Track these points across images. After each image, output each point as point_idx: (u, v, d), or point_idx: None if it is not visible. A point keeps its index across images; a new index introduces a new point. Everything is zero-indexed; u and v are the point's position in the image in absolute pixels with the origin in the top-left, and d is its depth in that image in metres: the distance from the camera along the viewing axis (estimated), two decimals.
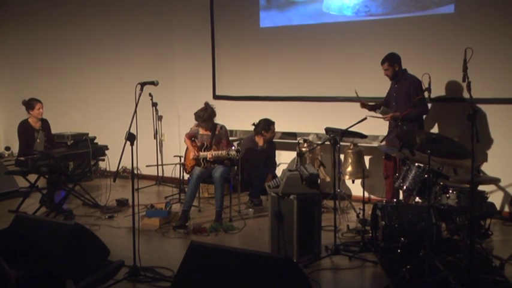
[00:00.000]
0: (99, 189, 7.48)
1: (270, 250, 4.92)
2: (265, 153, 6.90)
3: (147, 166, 7.93)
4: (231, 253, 3.42)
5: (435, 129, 6.36)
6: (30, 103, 6.72)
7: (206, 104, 6.18)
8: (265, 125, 6.81)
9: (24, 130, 6.69)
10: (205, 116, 6.07)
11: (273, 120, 6.86)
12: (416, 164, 4.91)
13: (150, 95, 7.66)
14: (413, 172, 4.92)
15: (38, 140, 6.75)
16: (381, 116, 6.04)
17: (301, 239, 4.78)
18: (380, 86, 6.27)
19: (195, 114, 6.13)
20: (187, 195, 6.05)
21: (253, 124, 6.89)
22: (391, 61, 5.98)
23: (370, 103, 6.15)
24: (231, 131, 7.38)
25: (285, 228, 4.81)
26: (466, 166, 5.66)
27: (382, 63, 6.02)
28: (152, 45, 8.54)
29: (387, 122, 6.13)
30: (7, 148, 9.25)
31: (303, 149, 6.68)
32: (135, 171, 4.67)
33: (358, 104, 6.25)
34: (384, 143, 5.86)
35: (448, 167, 5.77)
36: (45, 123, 6.90)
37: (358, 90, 6.01)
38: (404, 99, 5.94)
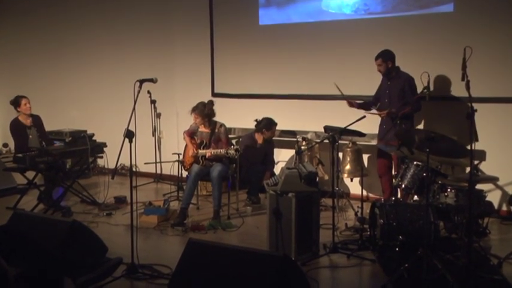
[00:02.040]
0: (97, 186, 7.48)
1: (268, 248, 4.92)
2: (263, 151, 6.90)
3: (145, 163, 7.92)
4: (229, 251, 3.42)
5: (433, 128, 6.35)
6: (16, 100, 6.72)
7: (210, 101, 6.18)
8: (267, 124, 6.80)
9: (16, 128, 6.68)
10: (205, 110, 6.06)
11: (275, 120, 6.84)
12: (415, 163, 4.91)
13: (148, 92, 7.64)
14: (411, 170, 4.93)
15: (30, 137, 6.73)
16: (378, 113, 6.05)
17: (300, 237, 4.78)
18: (379, 84, 6.27)
19: (197, 104, 6.11)
20: (186, 193, 6.05)
21: (256, 120, 6.88)
22: (385, 57, 6.00)
23: (357, 101, 6.16)
24: (230, 129, 7.36)
25: (283, 226, 4.81)
26: (464, 165, 5.69)
27: (376, 58, 6.04)
28: (151, 42, 8.53)
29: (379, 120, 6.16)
30: (5, 145, 9.22)
31: (302, 147, 6.68)
32: (134, 169, 4.66)
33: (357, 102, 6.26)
34: (380, 142, 5.87)
35: (446, 166, 5.78)
36: (36, 119, 6.86)
37: (350, 89, 6.03)
38: (398, 96, 5.97)
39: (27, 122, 6.77)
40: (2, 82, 10.24)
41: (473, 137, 3.88)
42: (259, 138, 6.87)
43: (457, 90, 6.15)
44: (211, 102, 6.17)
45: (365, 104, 6.24)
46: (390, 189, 6.19)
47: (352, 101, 6.19)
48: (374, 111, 6.16)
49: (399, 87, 5.97)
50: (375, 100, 6.24)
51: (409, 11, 6.48)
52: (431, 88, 5.15)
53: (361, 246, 5.00)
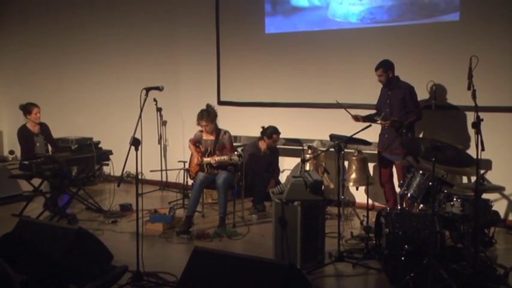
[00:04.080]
0: (103, 193, 7.49)
1: (273, 256, 4.91)
2: (267, 159, 6.90)
3: (151, 171, 7.93)
4: (235, 259, 3.41)
5: (439, 137, 6.34)
6: (27, 108, 6.74)
7: (208, 104, 6.17)
8: (269, 132, 6.80)
9: (23, 135, 6.71)
10: (212, 115, 6.04)
11: (280, 129, 6.82)
12: (421, 172, 4.90)
13: (154, 100, 7.68)
14: (417, 180, 4.91)
15: (37, 144, 6.76)
16: (381, 123, 6.04)
17: (305, 246, 4.77)
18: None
19: (200, 112, 6.08)
20: (191, 201, 6.05)
21: (262, 127, 6.88)
22: (386, 67, 6.02)
23: (362, 115, 6.15)
24: (235, 137, 7.38)
25: (289, 234, 4.80)
26: (470, 174, 5.67)
27: (376, 69, 6.06)
28: (157, 50, 8.57)
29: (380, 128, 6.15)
30: (11, 152, 9.26)
31: (307, 156, 6.67)
32: (139, 176, 4.67)
33: (363, 112, 6.25)
34: (384, 151, 5.86)
35: (452, 175, 5.76)
36: (43, 127, 6.89)
37: (356, 98, 6.01)
38: (399, 105, 5.99)
39: (35, 129, 6.80)
40: (8, 90, 10.31)
41: (480, 146, 3.87)
42: (262, 145, 6.87)
43: (463, 99, 6.13)
44: (209, 105, 6.16)
45: (369, 115, 6.23)
46: (394, 197, 6.19)
47: (358, 116, 6.17)
48: (379, 121, 6.15)
49: (400, 96, 5.98)
50: (377, 110, 6.23)
51: (415, 20, 6.48)
52: (437, 97, 5.14)
53: (366, 255, 4.99)
